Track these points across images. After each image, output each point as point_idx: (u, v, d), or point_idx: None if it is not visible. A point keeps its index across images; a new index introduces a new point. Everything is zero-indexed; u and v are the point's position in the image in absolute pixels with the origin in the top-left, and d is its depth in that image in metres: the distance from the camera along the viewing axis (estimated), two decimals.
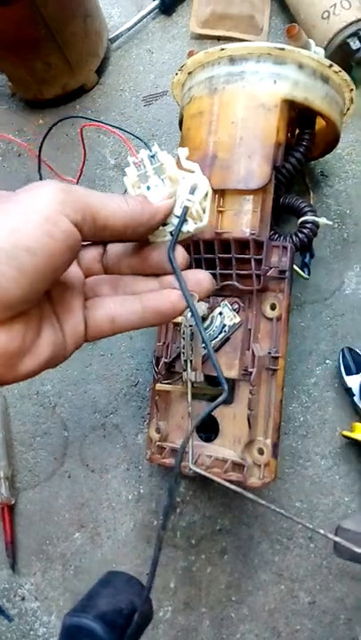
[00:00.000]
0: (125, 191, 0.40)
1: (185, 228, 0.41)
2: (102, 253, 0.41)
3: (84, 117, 0.43)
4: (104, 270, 0.42)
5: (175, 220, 0.41)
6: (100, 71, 0.91)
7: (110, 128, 0.43)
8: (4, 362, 0.32)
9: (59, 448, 0.76)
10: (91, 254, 0.41)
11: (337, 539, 0.50)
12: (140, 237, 0.39)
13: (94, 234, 0.35)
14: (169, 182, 0.40)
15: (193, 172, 0.42)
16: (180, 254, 0.40)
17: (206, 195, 0.42)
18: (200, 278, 0.40)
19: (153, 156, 0.41)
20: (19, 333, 0.32)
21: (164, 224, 0.41)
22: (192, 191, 0.41)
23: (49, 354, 0.35)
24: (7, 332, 0.31)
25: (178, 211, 0.41)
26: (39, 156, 0.43)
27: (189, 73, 0.66)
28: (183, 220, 0.40)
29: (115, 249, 0.41)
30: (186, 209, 0.40)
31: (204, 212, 0.42)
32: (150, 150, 0.41)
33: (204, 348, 0.58)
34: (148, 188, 0.41)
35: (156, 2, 0.92)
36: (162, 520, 0.43)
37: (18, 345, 0.32)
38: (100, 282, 0.41)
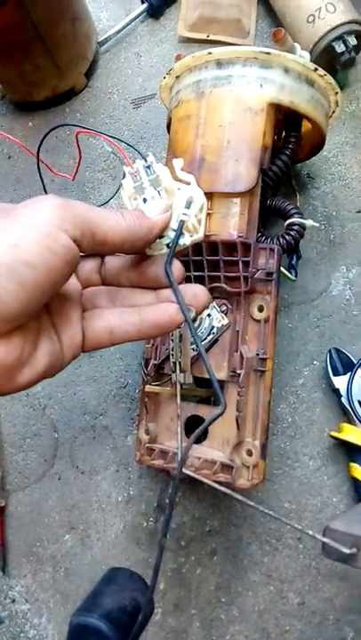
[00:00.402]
0: (116, 195, 0.40)
1: (181, 241, 0.42)
2: (100, 264, 0.42)
3: (80, 126, 0.44)
4: (102, 281, 0.42)
5: (172, 233, 0.41)
6: (89, 74, 0.91)
7: (107, 137, 0.43)
8: (3, 374, 0.32)
9: (49, 450, 0.76)
10: (89, 266, 0.41)
11: (325, 539, 0.50)
12: (137, 251, 0.40)
13: (93, 248, 0.36)
14: (165, 194, 0.41)
15: (189, 183, 0.42)
16: (177, 268, 0.41)
17: (202, 207, 0.42)
18: (197, 292, 0.41)
19: (148, 167, 0.41)
20: (17, 345, 0.33)
21: (161, 236, 0.41)
22: (188, 205, 0.41)
23: (47, 365, 0.35)
24: (6, 345, 0.32)
25: (174, 224, 0.41)
26: (37, 156, 0.44)
27: (177, 77, 0.66)
28: (180, 233, 0.41)
29: (113, 261, 0.42)
30: (182, 223, 0.41)
31: (199, 223, 0.42)
32: (146, 161, 0.41)
33: (197, 351, 0.59)
34: (145, 200, 0.41)
35: (145, 5, 0.93)
36: (163, 529, 0.43)
37: (16, 357, 0.32)
38: (98, 293, 0.42)
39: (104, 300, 0.41)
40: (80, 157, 0.50)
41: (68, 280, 0.34)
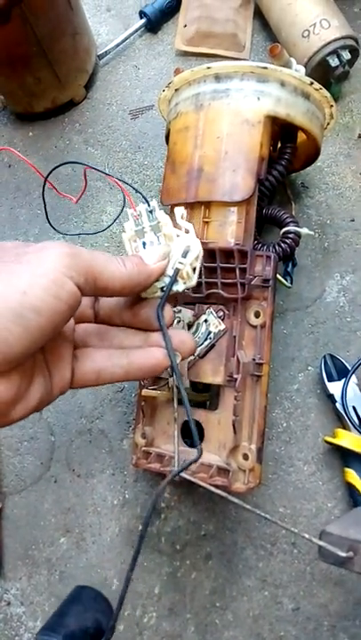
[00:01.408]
0: (116, 222, 0.42)
1: (175, 288, 0.43)
2: (94, 300, 0.43)
3: (88, 165, 0.46)
4: (95, 316, 0.44)
5: (167, 278, 0.43)
6: (89, 86, 0.93)
7: (114, 179, 0.45)
8: (1, 409, 0.34)
9: (45, 453, 0.77)
10: (84, 302, 0.42)
11: (321, 543, 0.50)
12: (134, 295, 0.42)
13: (94, 292, 0.37)
14: (164, 240, 0.42)
15: (188, 231, 0.44)
16: (168, 313, 0.43)
17: (197, 257, 0.44)
18: (183, 338, 0.43)
19: (151, 212, 0.42)
20: (15, 383, 0.34)
21: (156, 280, 0.43)
22: (184, 254, 0.43)
23: (38, 401, 0.37)
24: (5, 383, 0.33)
25: (170, 270, 0.43)
26: (45, 179, 0.45)
27: (176, 90, 0.68)
28: (174, 280, 0.42)
29: (108, 301, 0.43)
30: (177, 270, 0.42)
31: (193, 272, 0.44)
32: (149, 205, 0.42)
33: (194, 356, 0.60)
34: (144, 243, 0.43)
35: (143, 20, 0.95)
36: (131, 564, 0.43)
37: (13, 394, 0.34)
38: (90, 332, 0.43)
39: (95, 338, 0.43)
40: (85, 187, 0.51)
41: (68, 322, 0.36)
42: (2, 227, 0.87)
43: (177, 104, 0.67)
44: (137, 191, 0.47)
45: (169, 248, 0.43)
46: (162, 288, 0.43)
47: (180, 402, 0.59)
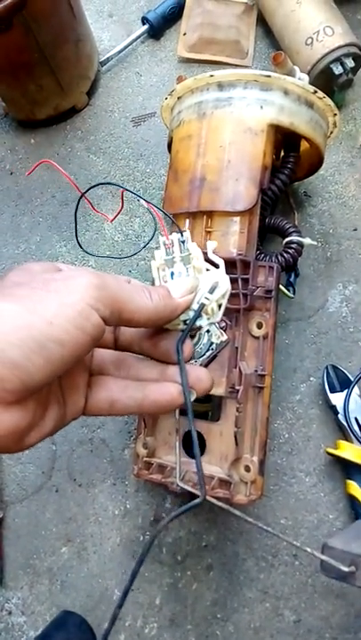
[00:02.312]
0: (146, 248, 0.41)
1: (198, 323, 0.42)
2: (116, 327, 0.43)
3: (124, 188, 0.45)
4: (114, 341, 0.43)
5: (191, 312, 0.42)
6: (91, 93, 0.93)
7: (150, 204, 0.44)
8: (15, 437, 0.33)
9: (46, 462, 0.76)
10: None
11: (323, 557, 0.50)
12: (157, 327, 0.41)
13: (117, 323, 0.37)
14: (192, 272, 0.42)
15: (218, 266, 0.43)
16: (188, 348, 0.42)
17: (225, 294, 0.43)
18: (200, 376, 0.42)
19: (183, 242, 0.42)
20: (31, 411, 0.34)
21: None
22: (212, 290, 0.42)
23: (52, 428, 0.36)
24: (21, 411, 0.33)
25: (195, 304, 0.42)
26: (82, 194, 0.45)
27: (179, 97, 0.67)
28: (198, 315, 0.42)
29: (129, 329, 0.43)
30: (202, 306, 0.42)
31: (219, 308, 0.43)
32: (182, 235, 0.42)
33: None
34: (172, 274, 0.42)
35: (145, 27, 0.94)
36: (120, 599, 0.43)
37: (29, 421, 0.33)
38: (107, 360, 0.43)
39: (111, 366, 0.42)
40: (122, 208, 0.51)
41: (89, 352, 0.35)
42: (3, 234, 0.87)
43: (180, 112, 0.67)
44: (172, 220, 0.46)
45: (197, 282, 0.42)
46: (185, 321, 0.43)
47: (182, 412, 0.58)
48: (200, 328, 0.44)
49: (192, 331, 0.44)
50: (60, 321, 0.31)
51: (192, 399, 0.41)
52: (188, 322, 0.42)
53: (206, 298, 0.42)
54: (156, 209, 0.44)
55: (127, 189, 0.44)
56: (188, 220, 0.63)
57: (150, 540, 0.42)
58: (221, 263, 0.44)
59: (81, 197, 0.44)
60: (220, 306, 0.44)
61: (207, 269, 0.44)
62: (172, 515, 0.43)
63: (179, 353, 0.41)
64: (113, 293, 0.35)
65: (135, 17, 0.98)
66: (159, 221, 0.43)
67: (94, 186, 0.48)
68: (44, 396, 0.36)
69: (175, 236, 0.43)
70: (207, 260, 0.44)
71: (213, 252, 0.45)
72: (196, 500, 0.41)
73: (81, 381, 0.40)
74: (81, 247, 0.54)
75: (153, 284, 0.45)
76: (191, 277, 0.42)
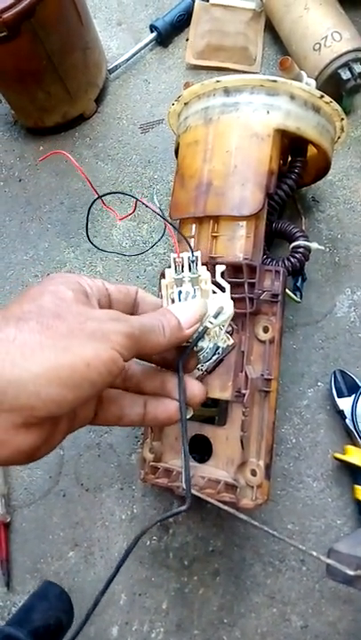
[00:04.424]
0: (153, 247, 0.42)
1: (200, 344, 0.44)
2: None
3: (137, 199, 0.46)
4: None
5: (194, 335, 0.43)
6: (99, 100, 0.94)
7: (165, 221, 0.45)
8: (28, 454, 0.35)
9: (54, 467, 0.76)
10: None
11: (330, 561, 0.50)
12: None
13: (134, 357, 0.39)
14: (199, 294, 0.43)
15: (224, 290, 0.44)
16: (191, 365, 0.45)
17: (228, 319, 0.44)
18: (194, 391, 0.44)
19: (193, 262, 0.43)
20: (45, 431, 0.35)
21: None
22: (216, 314, 0.43)
23: (60, 441, 0.38)
24: (39, 430, 0.34)
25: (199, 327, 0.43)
26: (99, 197, 0.46)
27: (185, 103, 0.68)
28: (201, 337, 0.43)
29: None
30: (205, 329, 0.43)
31: (221, 329, 0.44)
32: (192, 255, 0.43)
33: (202, 371, 0.60)
34: (180, 293, 0.43)
35: (154, 34, 0.95)
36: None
37: (43, 440, 0.35)
38: None
39: (118, 379, 0.44)
40: (133, 212, 0.52)
41: None
42: (12, 241, 0.88)
43: (186, 118, 0.67)
44: (187, 241, 0.48)
45: (205, 309, 0.43)
46: (188, 340, 0.44)
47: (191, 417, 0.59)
48: (201, 349, 0.45)
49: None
50: (96, 364, 0.33)
51: (188, 417, 0.43)
52: (190, 341, 0.43)
53: (210, 322, 0.43)
54: (171, 227, 0.45)
55: (143, 202, 0.45)
56: (194, 225, 0.63)
57: (134, 540, 0.44)
58: (228, 287, 0.45)
59: (97, 199, 0.45)
60: (222, 328, 0.45)
61: (214, 292, 0.44)
62: (156, 519, 0.45)
63: (179, 371, 0.42)
64: (137, 339, 0.37)
65: (143, 25, 0.99)
66: (172, 238, 0.45)
67: (110, 193, 0.49)
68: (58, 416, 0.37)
69: (186, 255, 0.43)
70: (214, 282, 0.45)
71: (221, 276, 0.46)
72: (182, 507, 0.42)
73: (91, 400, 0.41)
74: (91, 242, 0.54)
75: (159, 295, 0.46)
76: (199, 303, 0.43)
